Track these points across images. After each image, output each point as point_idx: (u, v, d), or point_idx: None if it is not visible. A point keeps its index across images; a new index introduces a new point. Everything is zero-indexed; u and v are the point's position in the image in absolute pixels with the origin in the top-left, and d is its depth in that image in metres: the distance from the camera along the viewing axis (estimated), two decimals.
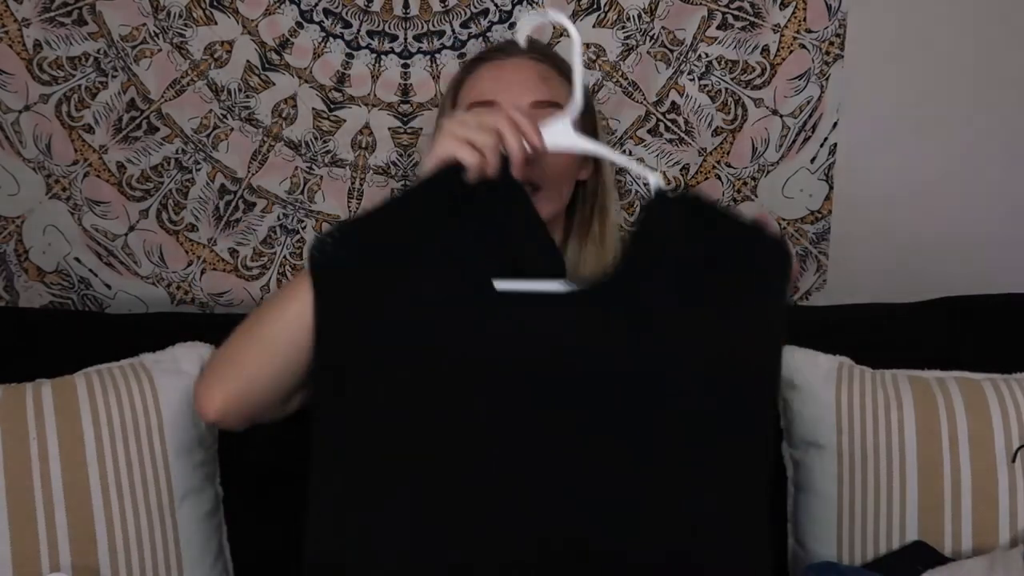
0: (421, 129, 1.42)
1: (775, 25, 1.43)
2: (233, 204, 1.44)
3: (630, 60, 1.43)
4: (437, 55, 1.41)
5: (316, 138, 1.42)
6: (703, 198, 0.89)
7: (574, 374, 0.82)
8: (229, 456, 1.21)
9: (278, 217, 1.44)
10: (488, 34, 1.41)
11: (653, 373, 0.82)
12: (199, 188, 1.42)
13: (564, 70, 1.08)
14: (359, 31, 1.40)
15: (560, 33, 1.40)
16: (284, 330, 0.92)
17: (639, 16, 1.42)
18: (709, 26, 1.42)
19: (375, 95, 1.41)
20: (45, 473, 1.11)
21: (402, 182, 1.43)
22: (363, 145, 1.43)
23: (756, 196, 1.49)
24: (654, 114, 1.45)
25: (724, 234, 0.86)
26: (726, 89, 1.45)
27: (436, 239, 0.82)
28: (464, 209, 0.83)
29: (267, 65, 1.40)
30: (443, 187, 0.84)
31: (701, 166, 1.47)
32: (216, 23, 1.38)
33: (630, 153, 1.46)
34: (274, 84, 1.40)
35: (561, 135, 0.90)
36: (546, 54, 1.12)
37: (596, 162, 1.13)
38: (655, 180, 0.86)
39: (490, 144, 0.84)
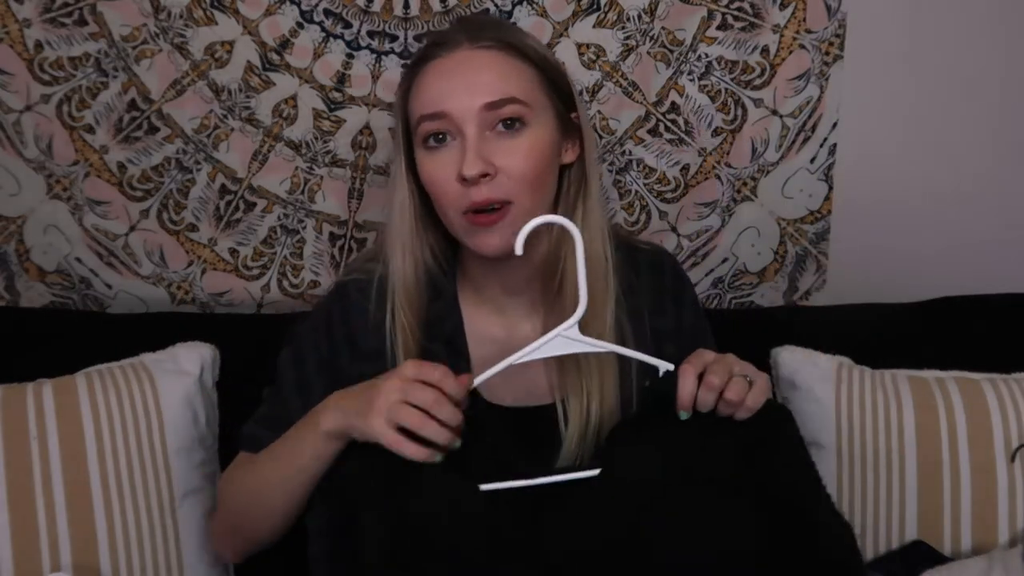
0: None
1: (775, 25, 1.43)
2: (233, 204, 1.44)
3: (630, 60, 1.43)
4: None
5: (316, 138, 1.42)
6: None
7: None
8: (229, 456, 1.21)
9: (278, 217, 1.45)
10: None
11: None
12: (200, 188, 1.43)
13: (520, 48, 0.99)
14: (359, 31, 1.40)
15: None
16: (288, 500, 0.98)
17: (639, 16, 1.42)
18: (709, 26, 1.42)
19: (375, 95, 1.41)
20: (46, 473, 1.11)
21: None
22: (363, 145, 1.43)
23: (756, 196, 1.49)
24: (654, 114, 1.45)
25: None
26: (726, 89, 1.45)
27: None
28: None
29: (267, 65, 1.40)
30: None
31: (701, 166, 1.47)
32: (216, 23, 1.38)
33: (630, 153, 1.46)
34: (274, 84, 1.40)
35: (568, 346, 0.87)
36: (496, 35, 0.99)
37: (580, 143, 1.04)
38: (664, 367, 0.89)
39: (433, 435, 0.84)
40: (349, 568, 0.86)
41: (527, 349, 0.86)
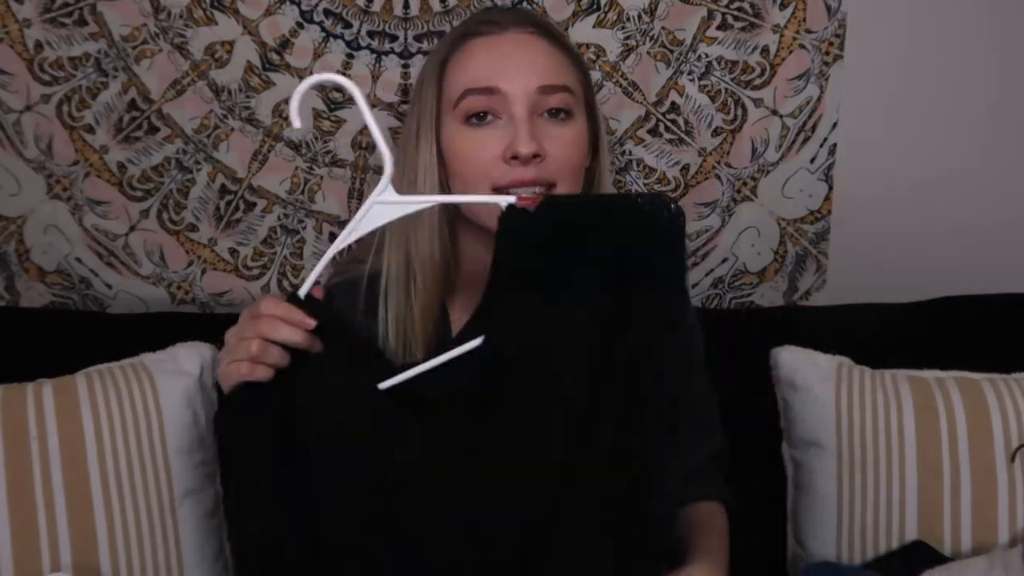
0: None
1: (775, 25, 1.43)
2: (233, 204, 1.44)
3: (630, 60, 1.43)
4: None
5: (316, 138, 1.42)
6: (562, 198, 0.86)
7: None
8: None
9: (278, 217, 1.45)
10: None
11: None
12: (200, 188, 1.43)
13: (565, 44, 0.99)
14: (359, 31, 1.40)
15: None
16: None
17: (639, 16, 1.42)
18: (709, 26, 1.42)
19: (375, 95, 1.41)
20: (46, 473, 1.11)
21: None
22: (363, 145, 1.43)
23: (756, 196, 1.49)
24: (654, 114, 1.45)
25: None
26: (726, 89, 1.45)
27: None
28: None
29: (267, 65, 1.40)
30: (255, 402, 0.81)
31: (701, 166, 1.47)
32: (216, 23, 1.38)
33: (630, 153, 1.46)
34: (274, 84, 1.40)
35: (386, 212, 0.80)
36: (546, 26, 0.98)
37: (595, 148, 1.03)
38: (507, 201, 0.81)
39: (254, 351, 0.78)
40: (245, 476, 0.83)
41: (348, 228, 0.80)
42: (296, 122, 0.78)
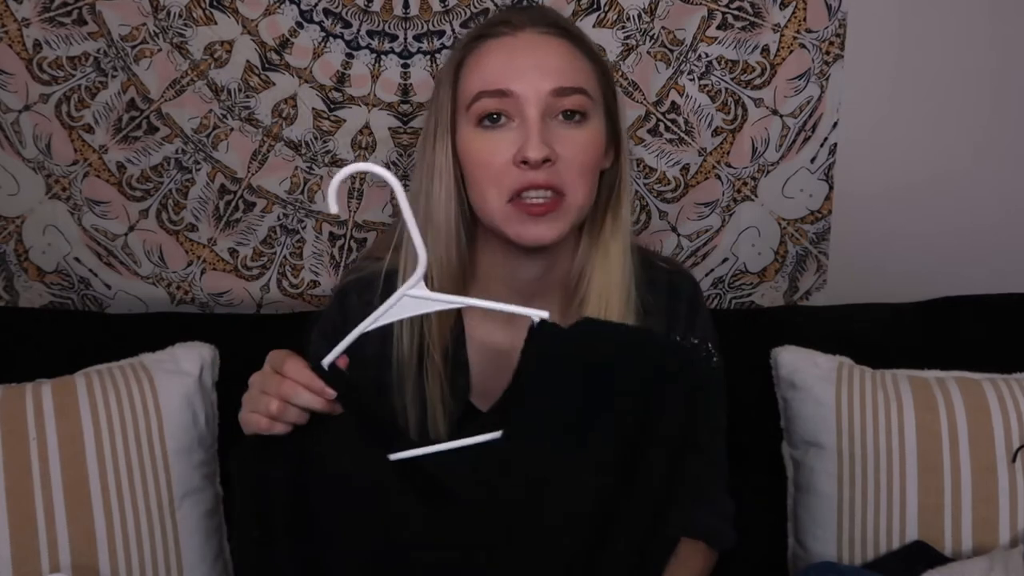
0: (422, 129, 1.42)
1: (775, 25, 1.43)
2: (233, 204, 1.44)
3: (630, 60, 1.43)
4: (437, 55, 1.40)
5: (316, 138, 1.42)
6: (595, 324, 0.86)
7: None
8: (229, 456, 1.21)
9: (278, 217, 1.44)
10: None
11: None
12: (199, 188, 1.42)
13: (584, 42, 0.97)
14: (359, 31, 1.40)
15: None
16: None
17: (639, 16, 1.42)
18: (709, 26, 1.42)
19: (375, 95, 1.41)
20: (45, 473, 1.11)
21: (403, 182, 1.43)
22: (363, 145, 1.43)
23: (756, 196, 1.49)
24: (654, 114, 1.45)
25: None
26: (726, 89, 1.45)
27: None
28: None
29: (267, 65, 1.40)
30: (269, 452, 0.84)
31: (701, 166, 1.47)
32: (216, 23, 1.38)
33: (630, 153, 1.45)
34: (274, 84, 1.40)
35: (410, 307, 0.81)
36: (563, 26, 0.97)
37: (617, 150, 1.01)
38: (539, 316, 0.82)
39: (274, 411, 0.81)
40: (253, 534, 0.85)
41: (374, 315, 0.81)
42: (333, 208, 0.78)
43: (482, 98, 0.93)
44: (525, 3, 1.40)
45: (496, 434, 0.81)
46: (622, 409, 0.81)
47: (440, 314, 0.99)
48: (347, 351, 0.83)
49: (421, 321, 1.00)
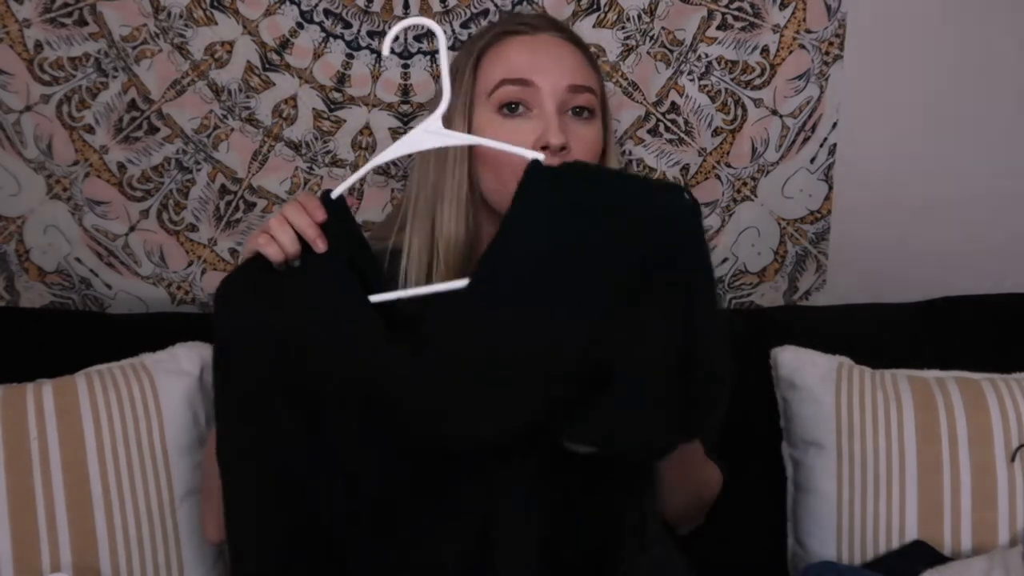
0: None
1: (775, 25, 1.43)
2: (233, 204, 1.44)
3: (630, 60, 1.43)
4: (437, 55, 1.41)
5: (316, 138, 1.42)
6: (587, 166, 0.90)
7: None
8: None
9: None
10: None
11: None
12: (199, 188, 1.43)
13: (590, 55, 1.06)
14: (359, 31, 1.40)
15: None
16: None
17: (639, 16, 1.42)
18: (709, 26, 1.43)
19: (375, 95, 1.41)
20: (46, 473, 1.11)
21: (402, 182, 1.43)
22: (363, 145, 1.43)
23: (756, 196, 1.49)
24: (654, 114, 1.45)
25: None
26: (726, 89, 1.45)
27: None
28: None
29: (267, 65, 1.40)
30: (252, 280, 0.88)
31: (701, 166, 1.47)
32: (216, 23, 1.38)
33: (630, 153, 1.46)
34: (274, 84, 1.40)
35: (431, 138, 0.89)
36: (572, 33, 1.07)
37: (603, 151, 1.06)
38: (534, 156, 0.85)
39: (273, 226, 0.87)
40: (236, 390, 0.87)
41: (391, 148, 0.89)
42: (386, 50, 0.88)
43: (505, 85, 0.99)
44: (526, 7, 1.40)
45: (463, 281, 0.84)
46: (610, 250, 0.80)
47: (449, 259, 1.02)
48: None
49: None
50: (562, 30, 1.05)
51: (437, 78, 1.40)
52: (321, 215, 0.88)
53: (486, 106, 1.00)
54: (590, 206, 0.81)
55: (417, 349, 0.83)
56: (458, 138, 0.91)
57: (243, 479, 0.88)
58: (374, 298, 0.87)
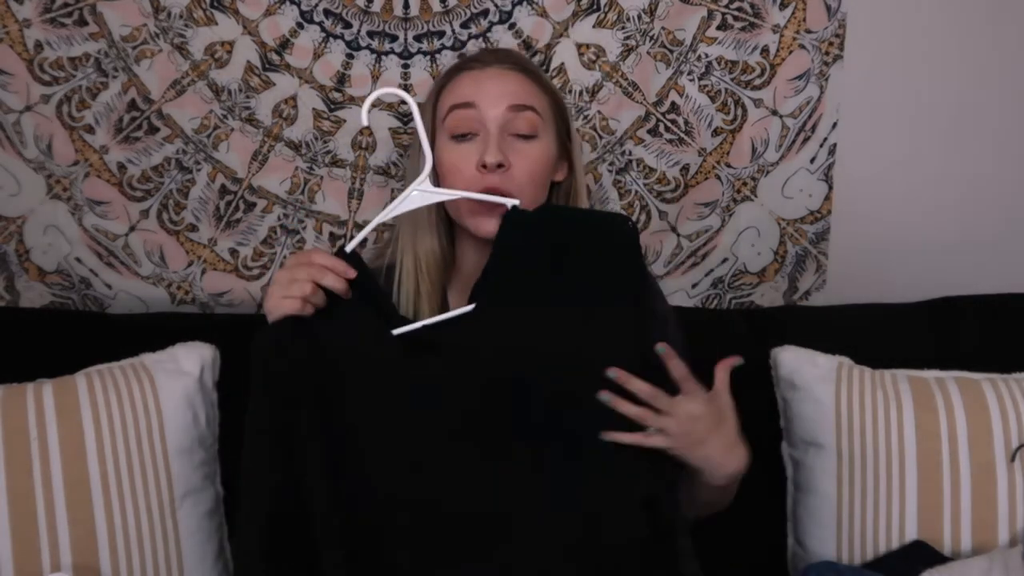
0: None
1: (775, 25, 1.43)
2: (233, 204, 1.44)
3: (630, 60, 1.43)
4: (437, 55, 1.41)
5: (316, 138, 1.42)
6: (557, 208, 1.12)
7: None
8: (229, 456, 1.21)
9: (278, 217, 1.45)
10: (488, 34, 1.41)
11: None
12: (199, 188, 1.43)
13: (538, 77, 1.17)
14: (359, 31, 1.40)
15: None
16: None
17: (639, 16, 1.42)
18: (709, 26, 1.43)
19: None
20: (46, 473, 1.11)
21: (401, 182, 1.43)
22: (363, 145, 1.43)
23: (756, 196, 1.49)
24: (654, 114, 1.45)
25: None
26: (726, 89, 1.45)
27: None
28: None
29: (267, 65, 1.40)
30: (290, 333, 0.97)
31: (701, 166, 1.47)
32: (216, 23, 1.38)
33: (630, 153, 1.46)
34: (274, 84, 1.40)
35: (421, 196, 1.01)
36: (520, 63, 1.17)
37: (570, 163, 1.18)
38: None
39: (307, 292, 0.96)
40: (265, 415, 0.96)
41: (390, 206, 1.01)
42: (364, 120, 1.00)
43: (454, 111, 1.12)
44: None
45: (470, 307, 1.00)
46: (584, 274, 0.99)
47: (428, 296, 1.16)
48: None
49: (415, 302, 1.15)
50: (513, 62, 1.16)
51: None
52: (351, 272, 0.98)
53: (443, 133, 1.13)
54: (559, 240, 1.00)
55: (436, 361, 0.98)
56: (444, 194, 1.04)
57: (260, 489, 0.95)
58: (396, 331, 0.98)
